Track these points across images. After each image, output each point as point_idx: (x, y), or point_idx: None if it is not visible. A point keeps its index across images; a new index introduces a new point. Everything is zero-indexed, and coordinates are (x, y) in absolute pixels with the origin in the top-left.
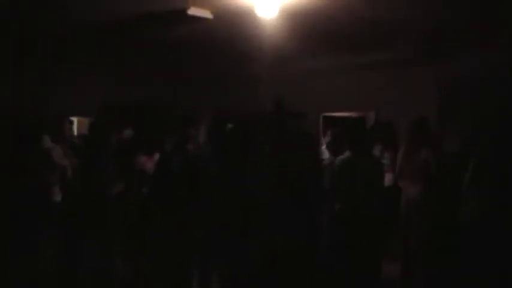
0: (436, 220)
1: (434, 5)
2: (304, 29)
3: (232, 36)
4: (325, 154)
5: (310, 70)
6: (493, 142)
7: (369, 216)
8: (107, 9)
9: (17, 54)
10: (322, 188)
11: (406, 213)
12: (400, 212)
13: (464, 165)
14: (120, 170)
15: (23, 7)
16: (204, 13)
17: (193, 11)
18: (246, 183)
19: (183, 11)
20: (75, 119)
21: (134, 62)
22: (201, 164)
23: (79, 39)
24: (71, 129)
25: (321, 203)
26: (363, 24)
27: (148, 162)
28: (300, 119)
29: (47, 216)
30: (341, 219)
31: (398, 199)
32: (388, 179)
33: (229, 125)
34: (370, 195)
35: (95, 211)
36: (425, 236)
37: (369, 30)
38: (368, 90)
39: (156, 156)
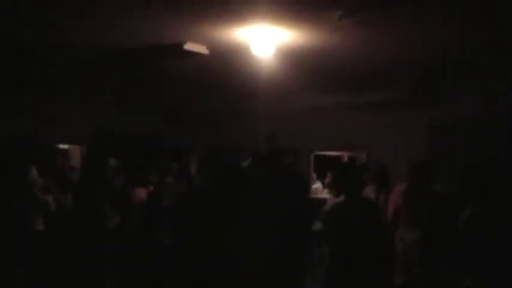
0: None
1: (429, 50)
2: (298, 68)
3: (227, 72)
4: (319, 192)
5: (303, 108)
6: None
7: (364, 256)
8: (105, 40)
9: (10, 82)
10: (312, 224)
11: (404, 258)
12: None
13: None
14: (117, 202)
15: (21, 34)
16: (200, 48)
17: (189, 46)
18: (237, 219)
19: (179, 46)
20: (66, 146)
21: (128, 93)
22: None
23: (75, 68)
24: (64, 161)
25: (312, 239)
26: (358, 65)
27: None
28: (293, 156)
29: (25, 243)
30: (334, 260)
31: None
32: None
33: (223, 159)
34: (366, 234)
35: (91, 243)
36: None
37: (363, 71)
38: (360, 130)
39: (152, 188)
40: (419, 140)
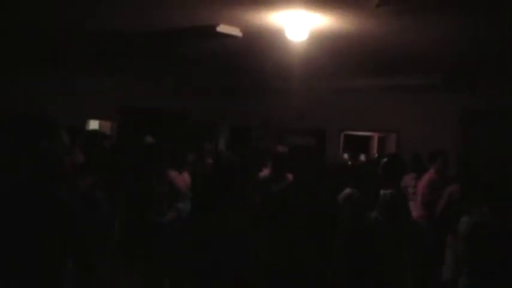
0: None
1: (462, 38)
2: (331, 52)
3: (259, 54)
4: None
5: (334, 89)
6: None
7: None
8: (141, 22)
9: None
10: None
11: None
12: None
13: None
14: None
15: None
16: (233, 31)
17: (222, 28)
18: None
19: (213, 28)
20: (96, 122)
21: (163, 72)
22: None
23: (111, 49)
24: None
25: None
26: (392, 50)
27: (178, 178)
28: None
29: None
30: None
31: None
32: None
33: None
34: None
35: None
36: None
37: (396, 57)
38: (391, 112)
39: (186, 175)
40: (451, 125)
